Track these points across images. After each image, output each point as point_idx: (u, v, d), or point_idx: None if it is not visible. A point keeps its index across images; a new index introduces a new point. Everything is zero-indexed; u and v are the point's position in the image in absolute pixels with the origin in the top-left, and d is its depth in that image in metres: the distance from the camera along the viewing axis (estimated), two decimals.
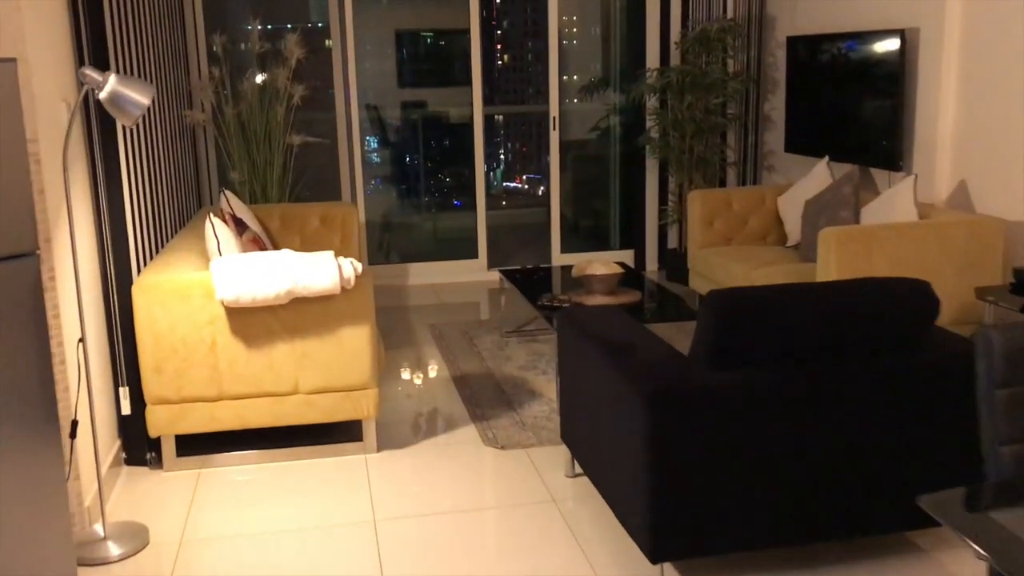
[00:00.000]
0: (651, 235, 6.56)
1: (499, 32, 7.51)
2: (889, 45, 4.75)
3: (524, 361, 4.66)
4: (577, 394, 3.05)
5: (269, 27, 6.14)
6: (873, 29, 4.94)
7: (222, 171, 5.94)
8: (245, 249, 3.99)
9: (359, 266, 3.42)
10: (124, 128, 3.61)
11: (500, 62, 7.48)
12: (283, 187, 5.69)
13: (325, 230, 5.08)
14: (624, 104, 6.67)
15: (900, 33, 4.67)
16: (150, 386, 3.37)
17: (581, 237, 7.09)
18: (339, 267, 3.34)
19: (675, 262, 6.25)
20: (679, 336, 4.93)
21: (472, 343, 5.00)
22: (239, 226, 4.13)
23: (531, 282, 4.78)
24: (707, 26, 5.91)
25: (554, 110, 6.42)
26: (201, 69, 5.86)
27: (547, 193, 8.63)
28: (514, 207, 9.15)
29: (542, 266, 6.51)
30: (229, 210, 4.48)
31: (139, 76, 3.97)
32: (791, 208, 5.14)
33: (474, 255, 6.57)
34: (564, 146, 6.65)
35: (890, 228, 4.05)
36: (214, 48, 5.66)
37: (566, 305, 4.16)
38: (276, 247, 4.98)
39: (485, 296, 6.24)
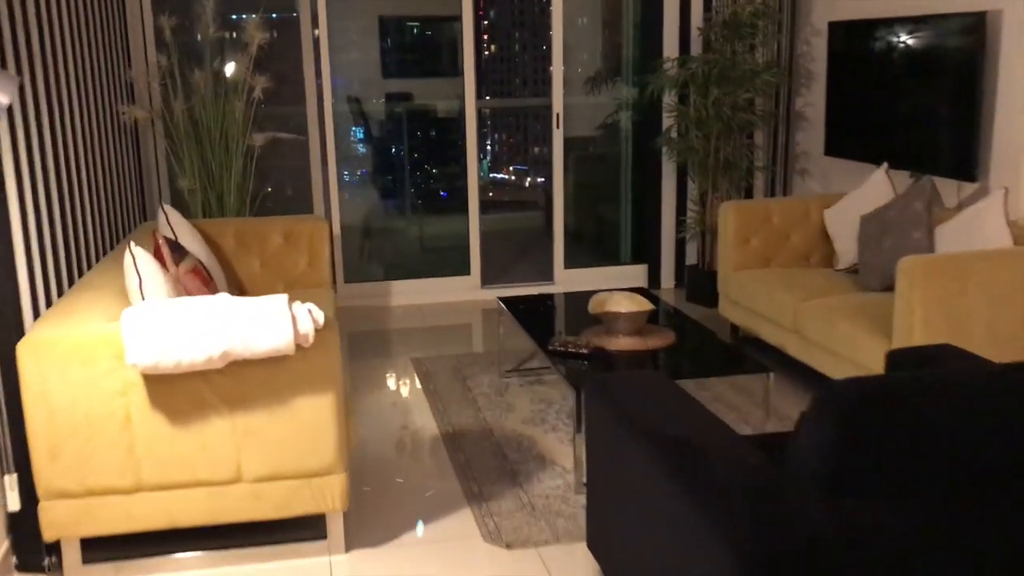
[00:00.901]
0: (667, 248, 5.77)
1: (486, 21, 6.78)
2: (964, 31, 3.96)
3: (528, 412, 3.85)
4: (614, 499, 2.25)
5: (234, 16, 5.29)
6: (943, 12, 4.15)
7: (175, 178, 5.10)
8: (180, 284, 3.17)
9: (320, 316, 2.60)
10: (13, 129, 2.78)
11: (487, 52, 6.77)
12: (243, 196, 4.86)
13: (289, 249, 4.26)
14: (637, 99, 5.86)
15: (979, 17, 3.88)
16: (44, 475, 2.55)
17: (586, 249, 6.29)
18: (293, 319, 2.53)
19: (697, 281, 5.45)
20: (720, 387, 4.13)
21: (465, 385, 4.19)
22: (176, 253, 3.31)
23: (536, 314, 3.98)
24: (738, 9, 5.11)
25: (557, 105, 5.60)
26: (149, 57, 5.01)
27: (547, 198, 7.84)
28: (508, 211, 8.39)
29: (547, 291, 5.72)
30: (170, 231, 3.66)
31: (49, 65, 3.14)
32: (842, 224, 4.34)
33: (466, 271, 5.76)
34: (567, 146, 5.84)
35: (986, 257, 3.27)
36: (164, 32, 4.81)
37: (584, 351, 3.36)
38: (231, 274, 4.15)
39: (479, 319, 5.43)
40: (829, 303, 3.78)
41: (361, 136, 6.78)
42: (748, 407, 3.84)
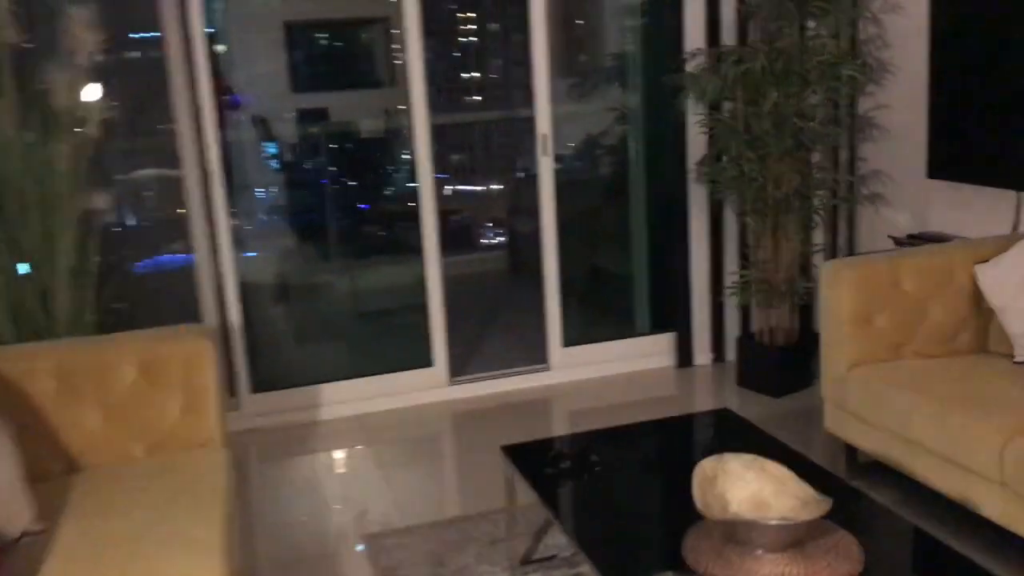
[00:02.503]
0: (700, 311, 4.21)
1: (395, 30, 5.65)
2: None
3: None
4: None
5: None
6: None
7: None
8: None
9: None
10: None
11: (398, 60, 5.67)
12: (82, 293, 3.12)
13: (151, 388, 2.56)
14: (642, 107, 4.30)
15: None
16: None
17: (586, 310, 4.69)
18: None
19: (753, 360, 3.90)
20: None
21: None
22: None
23: (569, 475, 2.38)
24: None
25: (543, 123, 3.99)
26: None
27: (513, 241, 6.30)
28: (461, 251, 6.89)
29: (545, 383, 4.07)
30: None
31: None
32: (1012, 288, 2.84)
33: (426, 360, 4.10)
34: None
35: None
36: None
37: None
38: (49, 442, 2.41)
39: (450, 435, 3.80)
40: None
41: (272, 163, 5.26)
42: None
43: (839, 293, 2.92)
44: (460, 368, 4.19)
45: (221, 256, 3.74)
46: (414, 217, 3.98)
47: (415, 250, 4.04)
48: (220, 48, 4.18)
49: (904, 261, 2.98)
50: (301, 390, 3.94)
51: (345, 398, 3.97)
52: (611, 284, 4.76)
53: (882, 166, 4.06)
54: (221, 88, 3.82)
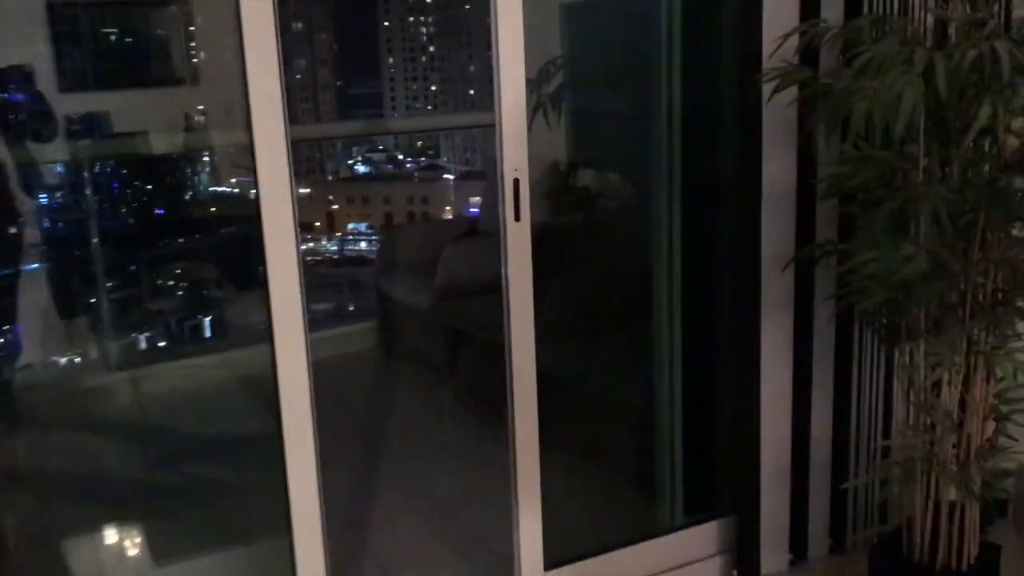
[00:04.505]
0: (774, 484, 2.40)
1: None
2: None
3: None
4: None
5: None
6: None
7: None
8: None
9: None
10: None
11: (198, 56, 4.54)
12: None
13: None
14: (676, 129, 2.44)
15: None
16: None
17: (563, 474, 2.76)
18: None
19: None
20: None
21: None
22: None
23: None
24: None
25: (515, 160, 2.05)
26: None
27: (403, 314, 4.34)
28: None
29: None
30: None
31: None
32: None
33: None
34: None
35: None
36: None
37: None
38: None
39: None
40: None
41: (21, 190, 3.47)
42: None
43: None
44: None
45: None
46: (240, 276, 2.01)
47: (250, 333, 2.07)
48: None
49: None
50: None
51: None
52: (606, 427, 2.84)
53: None
54: None
